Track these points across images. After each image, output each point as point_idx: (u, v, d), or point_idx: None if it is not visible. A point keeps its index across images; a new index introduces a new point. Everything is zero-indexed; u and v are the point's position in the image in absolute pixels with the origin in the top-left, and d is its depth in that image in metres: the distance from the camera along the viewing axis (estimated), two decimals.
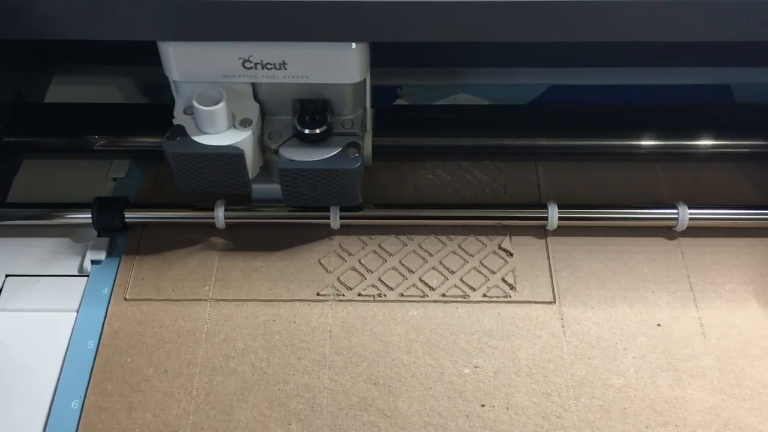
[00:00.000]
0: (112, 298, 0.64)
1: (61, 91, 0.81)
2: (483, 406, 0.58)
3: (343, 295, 0.65)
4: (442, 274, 0.66)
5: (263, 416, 0.58)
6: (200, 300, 0.65)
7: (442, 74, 0.83)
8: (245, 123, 0.60)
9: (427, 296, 0.65)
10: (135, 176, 0.74)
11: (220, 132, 0.59)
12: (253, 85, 0.61)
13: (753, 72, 0.82)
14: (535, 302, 0.64)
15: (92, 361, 0.61)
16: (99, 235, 0.69)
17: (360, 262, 0.67)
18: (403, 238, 0.69)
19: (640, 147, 0.70)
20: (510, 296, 0.64)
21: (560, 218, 0.67)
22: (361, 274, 0.66)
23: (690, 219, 0.66)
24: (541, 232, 0.69)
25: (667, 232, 0.68)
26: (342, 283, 0.66)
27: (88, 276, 0.66)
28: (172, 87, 0.61)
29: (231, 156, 0.59)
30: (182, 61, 0.58)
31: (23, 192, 0.73)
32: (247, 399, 0.59)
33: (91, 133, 0.71)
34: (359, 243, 0.68)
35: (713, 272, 0.66)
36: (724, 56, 0.81)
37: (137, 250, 0.68)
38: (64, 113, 0.74)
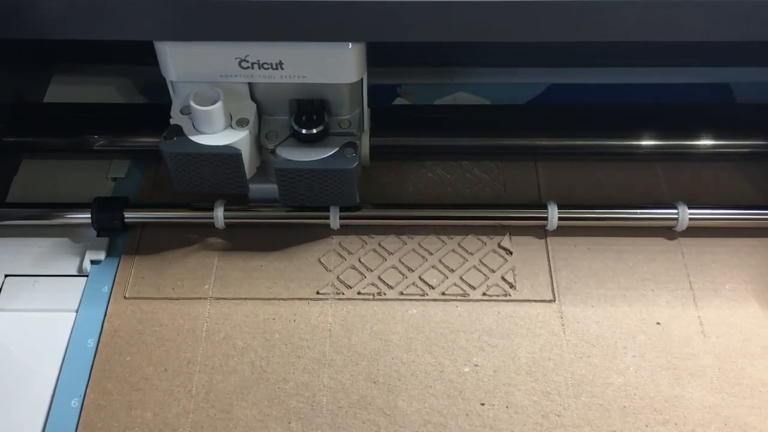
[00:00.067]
0: (111, 297, 0.64)
1: (61, 91, 0.81)
2: (483, 404, 0.58)
3: (343, 294, 0.65)
4: (441, 273, 0.66)
5: (263, 415, 0.58)
6: (200, 299, 0.65)
7: (441, 74, 0.83)
8: (242, 123, 0.60)
9: (427, 295, 0.65)
10: (135, 176, 0.74)
11: (217, 132, 0.59)
12: (250, 84, 0.61)
13: (753, 72, 0.82)
14: (534, 301, 0.64)
15: (92, 360, 0.61)
16: (98, 235, 0.69)
17: (360, 260, 0.67)
18: (403, 236, 0.69)
19: (640, 147, 0.70)
20: (510, 295, 0.64)
21: (560, 218, 0.67)
22: (361, 273, 0.66)
23: (690, 219, 0.66)
24: (540, 231, 0.69)
25: (667, 232, 0.68)
26: (342, 282, 0.66)
27: (87, 276, 0.66)
28: (169, 87, 0.61)
29: (228, 156, 0.59)
30: (179, 61, 0.58)
31: (23, 192, 0.73)
32: (247, 397, 0.59)
33: (91, 133, 0.71)
34: (359, 242, 0.68)
35: (713, 271, 0.66)
36: (724, 56, 0.81)
37: (137, 250, 0.68)
38: (63, 113, 0.74)
